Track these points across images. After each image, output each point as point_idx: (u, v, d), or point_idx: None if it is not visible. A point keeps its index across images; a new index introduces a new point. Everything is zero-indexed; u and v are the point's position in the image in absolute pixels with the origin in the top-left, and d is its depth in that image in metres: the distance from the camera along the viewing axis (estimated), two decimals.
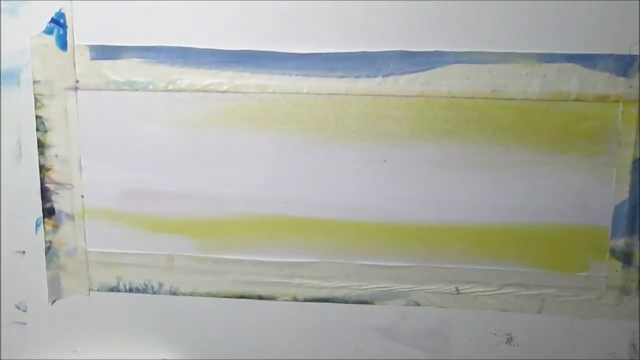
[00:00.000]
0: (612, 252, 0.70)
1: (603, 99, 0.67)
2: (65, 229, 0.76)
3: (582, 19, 0.65)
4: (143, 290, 0.77)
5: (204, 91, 0.71)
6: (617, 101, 0.66)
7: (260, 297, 0.76)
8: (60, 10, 0.71)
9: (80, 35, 0.71)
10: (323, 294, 0.75)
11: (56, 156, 0.75)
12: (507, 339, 0.74)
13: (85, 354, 0.80)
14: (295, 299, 0.75)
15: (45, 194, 0.76)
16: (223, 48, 0.70)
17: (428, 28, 0.67)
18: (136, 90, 0.72)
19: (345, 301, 0.75)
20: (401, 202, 0.71)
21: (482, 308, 0.73)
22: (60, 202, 0.76)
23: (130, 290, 0.77)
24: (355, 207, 0.72)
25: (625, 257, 0.70)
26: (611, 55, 0.66)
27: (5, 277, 0.79)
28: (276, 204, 0.73)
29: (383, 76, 0.69)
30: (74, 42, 0.71)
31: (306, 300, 0.75)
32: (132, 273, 0.77)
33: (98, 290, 0.78)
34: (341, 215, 0.72)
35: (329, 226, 0.73)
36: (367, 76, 0.69)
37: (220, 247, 0.75)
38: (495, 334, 0.74)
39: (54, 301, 0.79)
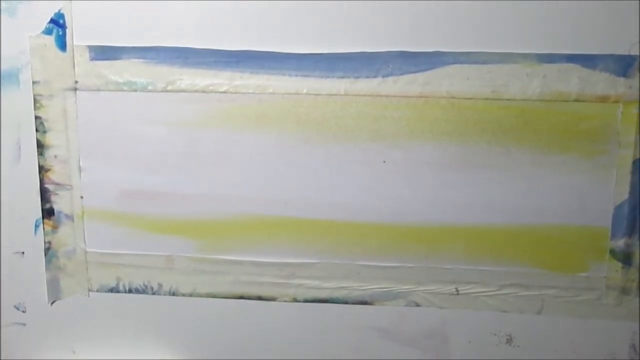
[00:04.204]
0: (612, 252, 0.70)
1: (603, 99, 0.66)
2: (65, 229, 0.76)
3: (582, 19, 0.65)
4: (142, 290, 0.77)
5: (203, 92, 0.71)
6: (617, 101, 0.66)
7: (260, 298, 0.76)
8: (59, 10, 0.71)
9: (79, 35, 0.71)
10: (323, 294, 0.75)
11: (55, 157, 0.75)
12: (507, 339, 0.74)
13: (85, 355, 0.80)
14: (295, 300, 0.75)
15: (44, 195, 0.76)
16: (222, 48, 0.70)
17: (428, 28, 0.67)
18: (135, 90, 0.72)
19: (345, 302, 0.75)
20: (401, 202, 0.71)
21: (482, 308, 0.73)
22: (59, 203, 0.76)
23: (130, 291, 0.77)
24: (354, 207, 0.72)
25: (625, 258, 0.70)
26: (611, 55, 0.65)
27: (4, 278, 0.78)
28: (276, 205, 0.73)
29: (383, 76, 0.68)
30: (73, 43, 0.71)
31: (306, 300, 0.75)
32: (132, 274, 0.77)
33: (97, 290, 0.78)
34: (341, 215, 0.72)
35: (328, 226, 0.73)
36: (367, 76, 0.69)
37: (220, 248, 0.75)
38: (495, 335, 0.74)
39: (53, 302, 0.79)
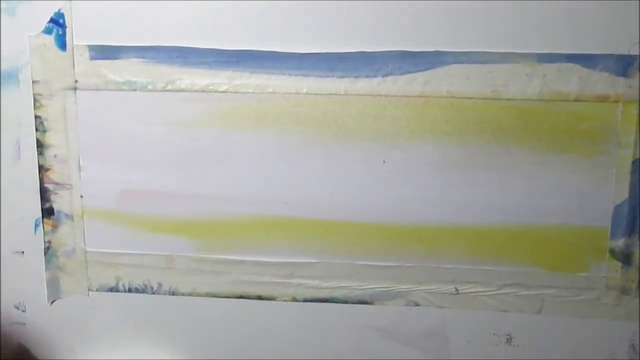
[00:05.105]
0: (612, 252, 0.70)
1: (603, 99, 0.66)
2: (65, 229, 0.76)
3: (582, 19, 0.65)
4: (142, 290, 0.77)
5: (203, 91, 0.71)
6: (617, 101, 0.66)
7: (259, 298, 0.76)
8: (59, 10, 0.71)
9: (79, 35, 0.71)
10: (322, 294, 0.75)
11: (55, 156, 0.75)
12: (507, 339, 0.74)
13: (85, 354, 0.80)
14: (294, 299, 0.75)
15: (44, 194, 0.76)
16: (222, 48, 0.70)
17: (428, 28, 0.67)
18: (135, 90, 0.72)
19: (344, 301, 0.75)
20: (400, 202, 0.71)
21: (482, 308, 0.73)
22: (59, 202, 0.76)
23: (130, 291, 0.77)
24: (354, 207, 0.72)
25: (625, 258, 0.70)
26: (611, 55, 0.65)
27: (4, 278, 0.78)
28: (275, 205, 0.73)
29: (382, 76, 0.68)
30: (73, 42, 0.71)
31: (306, 300, 0.75)
32: (131, 273, 0.77)
33: (97, 290, 0.78)
34: (341, 215, 0.72)
35: (328, 226, 0.73)
36: (367, 76, 0.69)
37: (220, 248, 0.75)
38: (494, 334, 0.74)
39: (53, 301, 0.79)
